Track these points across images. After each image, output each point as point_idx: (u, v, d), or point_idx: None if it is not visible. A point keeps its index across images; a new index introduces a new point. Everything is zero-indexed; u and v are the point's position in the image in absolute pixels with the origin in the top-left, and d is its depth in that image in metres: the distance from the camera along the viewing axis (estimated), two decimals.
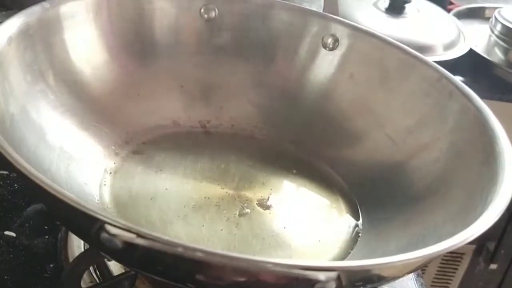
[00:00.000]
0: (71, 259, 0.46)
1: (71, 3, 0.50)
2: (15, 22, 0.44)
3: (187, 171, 0.52)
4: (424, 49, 0.88)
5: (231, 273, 0.30)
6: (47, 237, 0.50)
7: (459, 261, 1.06)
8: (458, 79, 0.51)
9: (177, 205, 0.48)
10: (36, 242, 0.49)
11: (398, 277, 0.40)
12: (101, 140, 0.52)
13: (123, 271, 0.45)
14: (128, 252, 0.30)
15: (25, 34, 0.45)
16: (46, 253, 0.48)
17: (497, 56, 0.97)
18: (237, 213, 0.49)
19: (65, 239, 0.49)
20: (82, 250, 0.47)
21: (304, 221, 0.49)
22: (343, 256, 0.47)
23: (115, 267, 0.46)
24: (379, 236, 0.48)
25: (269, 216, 0.49)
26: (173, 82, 0.57)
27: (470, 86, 0.50)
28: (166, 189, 0.50)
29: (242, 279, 0.30)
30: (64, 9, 0.49)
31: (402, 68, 0.54)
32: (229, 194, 0.51)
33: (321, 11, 0.71)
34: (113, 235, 0.29)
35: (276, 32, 0.58)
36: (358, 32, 0.57)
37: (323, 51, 0.58)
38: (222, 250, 0.29)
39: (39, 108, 0.46)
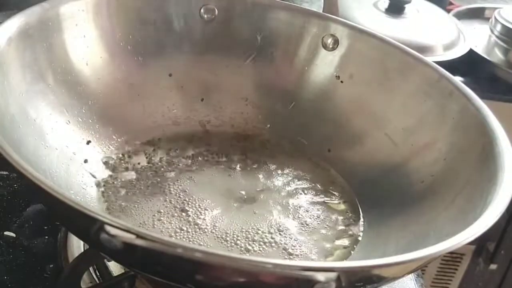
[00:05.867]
0: (71, 260, 0.46)
1: (71, 3, 0.50)
2: (15, 23, 0.44)
3: (187, 171, 0.52)
4: (424, 49, 0.88)
5: (231, 273, 0.30)
6: (47, 237, 0.50)
7: (459, 262, 1.06)
8: (458, 79, 0.51)
9: (177, 204, 0.48)
10: (36, 242, 0.49)
11: (398, 277, 0.40)
12: (101, 140, 0.52)
13: (122, 271, 0.45)
14: (127, 253, 0.30)
15: (25, 34, 0.45)
16: (46, 253, 0.48)
17: (497, 56, 0.97)
18: (237, 213, 0.49)
19: (65, 239, 0.49)
20: (82, 250, 0.47)
21: (304, 221, 0.49)
22: (344, 256, 0.47)
23: (114, 268, 0.46)
24: (379, 236, 0.48)
25: (268, 216, 0.49)
26: (173, 82, 0.57)
27: (470, 86, 0.50)
28: (166, 188, 0.50)
29: (241, 280, 0.30)
30: (64, 9, 0.49)
31: (402, 69, 0.54)
32: (228, 193, 0.51)
33: (321, 11, 0.71)
34: (113, 236, 0.29)
35: (276, 32, 0.58)
36: (358, 32, 0.57)
37: (323, 51, 0.58)
38: (222, 250, 0.29)
39: (39, 108, 0.46)
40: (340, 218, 0.51)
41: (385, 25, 0.93)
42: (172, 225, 0.46)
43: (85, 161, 0.49)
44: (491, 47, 0.99)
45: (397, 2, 0.96)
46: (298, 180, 0.54)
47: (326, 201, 0.52)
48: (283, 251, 0.46)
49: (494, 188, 0.39)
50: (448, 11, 1.08)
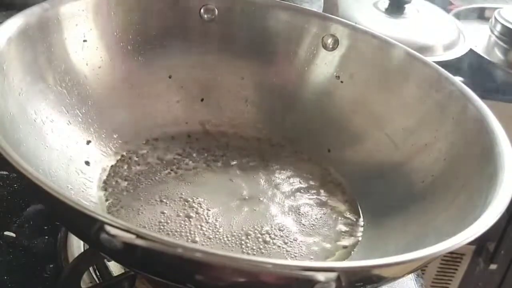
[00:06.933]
0: (71, 260, 0.46)
1: (71, 3, 0.50)
2: (15, 23, 0.44)
3: (187, 171, 0.52)
4: (424, 49, 0.88)
5: (231, 273, 0.30)
6: (47, 237, 0.50)
7: (459, 262, 1.06)
8: (458, 79, 0.51)
9: (177, 204, 0.48)
10: (36, 242, 0.49)
11: (398, 277, 0.40)
12: (101, 140, 0.52)
13: (122, 271, 0.45)
14: (127, 253, 0.30)
15: (25, 34, 0.45)
16: (46, 253, 0.48)
17: (497, 56, 0.97)
18: (237, 213, 0.49)
19: (65, 239, 0.49)
20: (82, 250, 0.47)
21: (304, 221, 0.49)
22: (344, 256, 0.47)
23: (114, 268, 0.46)
24: (379, 236, 0.48)
25: (269, 216, 0.49)
26: (173, 82, 0.57)
27: (470, 86, 0.50)
28: (166, 188, 0.50)
29: (241, 280, 0.30)
30: (64, 9, 0.49)
31: (402, 68, 0.54)
32: (228, 193, 0.51)
33: (321, 11, 0.71)
34: (113, 236, 0.29)
35: (276, 32, 0.58)
36: (358, 32, 0.57)
37: (323, 51, 0.58)
38: (221, 250, 0.29)
39: (39, 108, 0.46)
40: (340, 218, 0.51)
41: (385, 25, 0.93)
42: (172, 225, 0.46)
43: (86, 161, 0.49)
44: (491, 47, 0.99)
45: (397, 2, 0.96)
46: (298, 180, 0.54)
47: (326, 201, 0.52)
48: (283, 251, 0.46)
49: (494, 188, 0.39)
50: (448, 11, 1.08)
